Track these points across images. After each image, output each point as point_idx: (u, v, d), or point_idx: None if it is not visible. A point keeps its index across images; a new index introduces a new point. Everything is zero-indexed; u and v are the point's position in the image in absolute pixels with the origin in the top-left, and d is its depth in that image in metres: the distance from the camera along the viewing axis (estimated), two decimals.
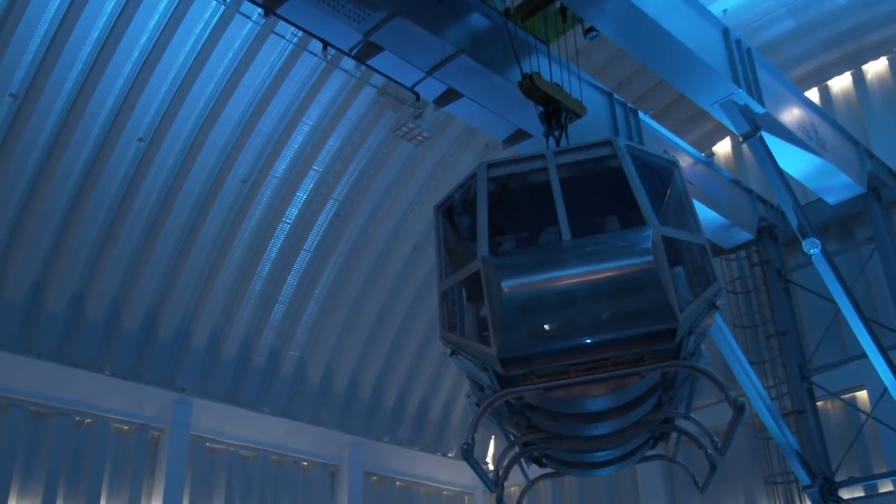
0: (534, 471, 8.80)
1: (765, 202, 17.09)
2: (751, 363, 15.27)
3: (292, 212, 18.60)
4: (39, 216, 15.63)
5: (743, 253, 17.64)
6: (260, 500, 18.52)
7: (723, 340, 14.40)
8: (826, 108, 17.57)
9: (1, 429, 15.43)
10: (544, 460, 8.23)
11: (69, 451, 16.09)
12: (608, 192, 7.26)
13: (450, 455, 21.94)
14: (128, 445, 16.95)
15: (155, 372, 17.26)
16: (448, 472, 21.90)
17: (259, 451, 18.84)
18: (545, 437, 7.35)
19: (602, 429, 6.93)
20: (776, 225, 17.17)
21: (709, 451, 7.27)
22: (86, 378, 16.25)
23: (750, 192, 16.59)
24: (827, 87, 18.80)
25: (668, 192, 7.46)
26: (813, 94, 18.53)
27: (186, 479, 17.24)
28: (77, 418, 16.46)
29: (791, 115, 14.20)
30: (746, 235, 15.91)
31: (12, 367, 15.39)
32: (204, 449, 18.02)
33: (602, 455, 7.63)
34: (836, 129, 15.79)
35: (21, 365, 15.49)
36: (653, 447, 8.17)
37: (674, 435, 8.01)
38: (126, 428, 17.05)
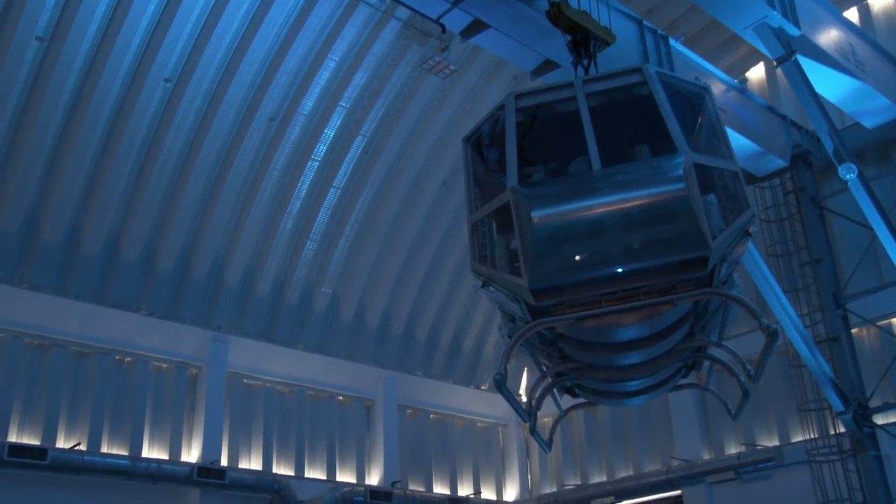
0: (566, 401, 8.86)
1: (799, 128, 16.77)
2: (784, 291, 15.18)
3: (321, 149, 18.58)
4: (71, 161, 15.76)
5: (776, 180, 17.39)
6: (297, 434, 18.93)
7: (756, 269, 14.29)
8: (866, 29, 17.06)
9: (46, 369, 15.86)
10: (577, 390, 8.27)
11: (111, 390, 16.51)
12: (639, 121, 7.14)
13: (483, 388, 22.19)
14: (167, 383, 17.35)
15: (191, 311, 17.54)
16: (482, 404, 22.18)
17: (295, 387, 19.18)
18: (577, 367, 7.37)
19: (634, 358, 6.93)
20: (811, 151, 16.87)
21: (741, 378, 7.26)
22: (124, 318, 16.56)
23: (784, 117, 16.26)
24: (867, 6, 18.23)
25: (700, 119, 7.31)
26: (852, 14, 17.98)
27: (225, 415, 17.63)
28: (118, 357, 16.84)
29: (828, 37, 13.81)
30: (780, 162, 15.64)
31: (53, 309, 15.73)
32: (241, 385, 18.39)
33: (634, 384, 7.65)
34: (876, 50, 15.36)
35: (61, 306, 15.82)
36: (685, 376, 8.18)
37: (706, 363, 8.00)
38: (165, 366, 17.42)
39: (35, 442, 15.20)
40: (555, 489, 21.39)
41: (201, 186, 17.34)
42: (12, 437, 15.07)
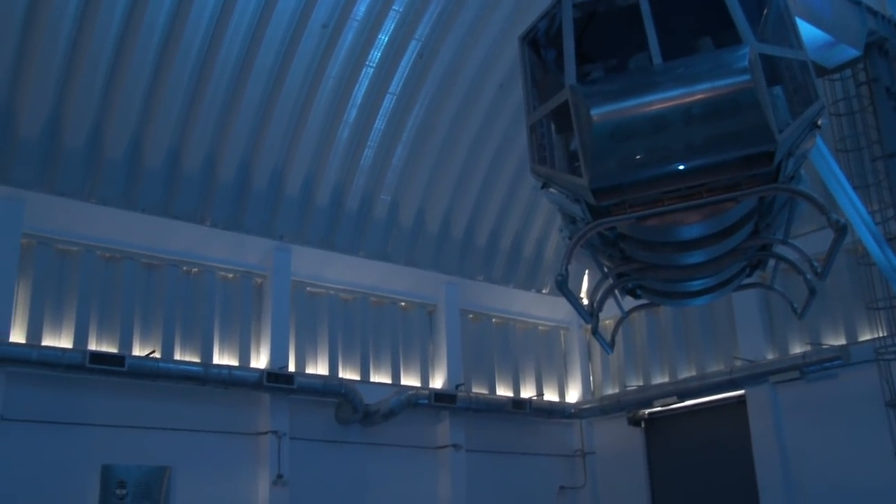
0: (628, 302, 8.83)
1: (875, 13, 15.92)
2: (854, 188, 14.71)
3: (375, 55, 18.33)
4: (129, 74, 15.87)
5: (848, 72, 16.63)
6: (361, 340, 19.33)
7: (824, 165, 13.84)
8: None
9: (118, 281, 16.37)
10: (639, 291, 8.21)
11: (181, 300, 17.01)
12: (702, 12, 6.84)
13: (544, 291, 22.27)
14: (234, 292, 17.78)
15: (253, 221, 17.80)
16: (543, 307, 22.30)
17: (358, 294, 19.49)
18: (639, 268, 7.30)
19: (697, 257, 6.81)
20: (887, 38, 16.04)
21: (808, 276, 7.11)
22: (189, 230, 16.91)
23: (858, 3, 15.45)
24: None
25: (767, 9, 6.98)
26: None
27: (291, 323, 18.06)
28: (185, 268, 17.27)
29: None
30: (853, 52, 14.91)
31: (121, 223, 16.14)
32: (305, 293, 18.75)
33: (697, 284, 7.56)
34: None
35: (129, 220, 16.22)
36: (749, 275, 8.05)
37: (771, 262, 7.85)
38: (231, 276, 17.83)
39: (113, 350, 15.83)
40: (617, 390, 21.59)
41: (257, 97, 17.34)
42: (92, 346, 15.72)
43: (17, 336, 15.03)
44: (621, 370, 21.67)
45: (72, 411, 15.16)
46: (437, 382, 20.02)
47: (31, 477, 14.46)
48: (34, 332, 15.28)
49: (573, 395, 22.37)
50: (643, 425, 20.92)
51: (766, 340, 18.47)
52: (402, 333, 20.14)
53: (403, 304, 20.33)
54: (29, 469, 14.48)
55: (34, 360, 14.60)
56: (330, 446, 18.01)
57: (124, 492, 15.35)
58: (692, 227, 6.32)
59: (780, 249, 7.42)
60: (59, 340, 15.48)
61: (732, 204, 6.08)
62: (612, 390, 21.80)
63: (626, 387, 21.24)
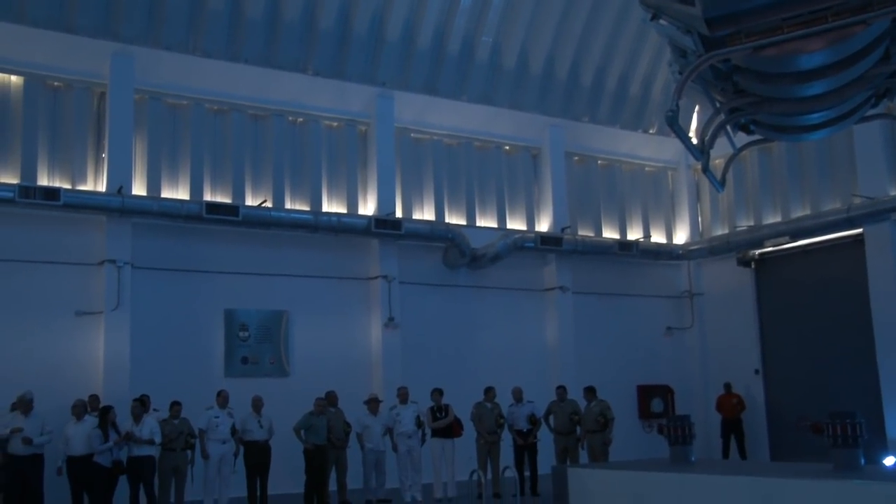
0: (740, 138, 8.52)
1: None
2: None
3: None
4: None
5: None
6: (467, 185, 19.40)
7: None
8: None
9: (228, 132, 16.77)
10: (752, 127, 7.92)
11: (288, 149, 17.33)
12: None
13: (651, 131, 21.67)
14: (339, 140, 17.98)
15: (355, 68, 17.72)
16: (650, 147, 21.77)
17: (461, 139, 19.42)
18: (754, 102, 7.00)
19: (818, 88, 6.47)
20: None
21: None
22: (292, 79, 16.99)
23: None
24: None
25: None
26: None
27: (396, 169, 18.23)
28: (290, 118, 17.49)
29: None
30: None
31: (226, 74, 16.34)
32: (409, 139, 18.80)
33: (817, 117, 7.21)
34: None
35: (233, 71, 16.39)
36: (874, 105, 7.61)
37: None
38: (335, 124, 17.98)
39: (227, 200, 16.41)
40: (726, 231, 21.18)
41: None
42: (207, 197, 16.32)
43: (139, 189, 15.72)
44: (731, 210, 21.18)
45: (194, 259, 15.95)
46: (543, 225, 20.06)
47: (162, 321, 15.45)
48: (153, 185, 15.95)
49: (681, 236, 22.10)
50: (753, 266, 20.57)
51: (889, 176, 17.57)
52: (507, 177, 20.10)
53: (508, 147, 20.18)
54: (160, 313, 15.46)
55: (155, 211, 15.30)
56: (438, 290, 18.49)
57: (247, 334, 16.27)
58: (814, 56, 5.96)
59: None
60: (177, 192, 16.14)
61: (862, 27, 5.67)
62: (721, 231, 21.40)
63: (735, 227, 20.79)
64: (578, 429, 14.67)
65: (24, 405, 11.73)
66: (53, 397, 12.46)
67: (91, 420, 12.01)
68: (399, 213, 18.02)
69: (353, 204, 17.81)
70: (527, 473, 14.40)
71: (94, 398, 13.28)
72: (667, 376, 21.04)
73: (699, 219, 22.17)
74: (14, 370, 13.74)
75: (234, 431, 13.01)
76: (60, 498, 11.85)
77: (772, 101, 6.93)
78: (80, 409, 11.88)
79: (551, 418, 14.84)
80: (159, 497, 12.31)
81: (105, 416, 11.93)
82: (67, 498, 11.78)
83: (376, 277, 17.47)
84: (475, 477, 12.39)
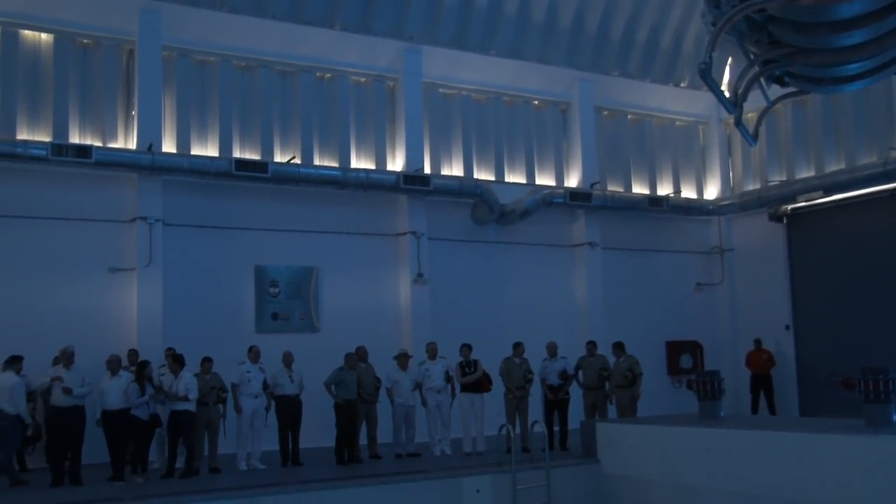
0: (774, 91, 8.36)
1: None
2: None
3: None
4: None
5: None
6: (495, 140, 19.28)
7: None
8: None
9: (255, 89, 16.75)
10: (787, 79, 7.76)
11: (316, 106, 17.30)
12: None
13: (682, 85, 21.33)
14: (367, 96, 17.90)
15: (382, 23, 17.56)
16: (681, 102, 21.46)
17: (490, 94, 19.25)
18: (789, 53, 6.85)
19: (857, 37, 6.31)
20: None
21: None
22: (319, 34, 16.89)
23: None
24: None
25: None
26: None
27: (425, 125, 18.15)
28: (318, 74, 17.43)
29: None
30: None
31: (253, 30, 16.28)
32: (437, 95, 18.68)
33: (854, 67, 7.04)
34: None
35: (261, 27, 16.32)
36: None
37: None
38: (363, 80, 17.89)
39: (256, 157, 16.45)
40: (758, 186, 20.92)
41: None
42: (236, 154, 16.37)
43: (169, 146, 15.79)
44: (763, 165, 20.89)
45: (224, 216, 16.06)
46: (573, 181, 19.94)
47: (194, 277, 15.63)
48: (183, 142, 16.01)
49: (712, 191, 21.87)
50: (785, 221, 20.32)
51: None
52: (536, 132, 19.94)
53: (536, 102, 19.99)
54: (192, 270, 15.62)
55: (185, 168, 15.38)
56: (467, 246, 18.49)
57: (277, 290, 16.40)
58: (853, 4, 5.81)
59: None
60: (206, 149, 16.20)
61: None
62: (752, 186, 21.13)
63: (768, 182, 20.52)
64: (607, 384, 14.70)
65: (65, 358, 11.96)
66: (88, 353, 12.66)
67: (127, 374, 12.22)
68: (427, 169, 17.97)
69: (381, 160, 17.79)
70: (556, 428, 14.48)
71: (134, 353, 13.50)
72: (696, 332, 20.98)
73: (730, 174, 21.91)
74: (50, 326, 14.01)
75: (265, 386, 13.17)
76: (98, 450, 12.11)
77: (808, 51, 6.78)
78: (115, 364, 12.07)
79: (580, 373, 14.88)
80: (194, 449, 12.54)
81: (142, 371, 12.13)
82: (105, 450, 12.02)
83: (405, 233, 17.49)
84: (504, 431, 12.48)
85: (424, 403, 14.27)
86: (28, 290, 14.36)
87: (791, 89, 8.24)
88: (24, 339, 13.71)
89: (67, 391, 11.67)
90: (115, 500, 10.19)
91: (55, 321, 14.18)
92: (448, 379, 14.28)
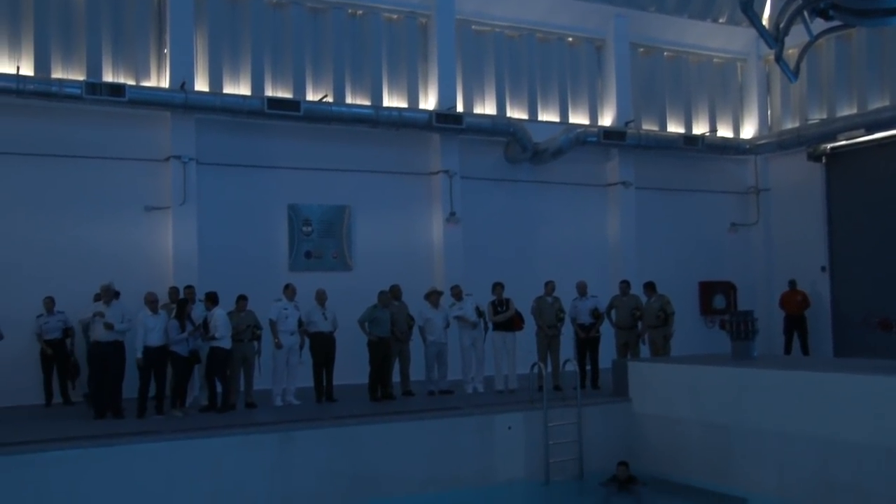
0: (817, 25, 8.13)
1: None
2: None
3: None
4: None
5: None
6: (529, 78, 19.02)
7: None
8: None
9: (286, 26, 16.61)
10: (831, 12, 7.52)
11: (348, 44, 17.14)
12: None
13: (721, 20, 20.77)
14: (399, 34, 17.69)
15: None
16: (719, 38, 20.96)
17: (524, 30, 18.94)
18: None
19: None
20: None
21: None
22: None
23: None
24: None
25: None
26: None
27: (457, 63, 17.92)
28: (350, 11, 17.22)
29: None
30: None
31: None
32: (470, 32, 18.41)
33: None
34: None
35: None
36: None
37: None
38: (395, 17, 17.66)
39: (288, 95, 16.39)
40: (797, 124, 20.50)
41: None
42: (268, 92, 16.32)
43: (201, 85, 15.78)
44: (803, 102, 20.42)
45: (257, 155, 16.09)
46: (607, 119, 19.68)
47: (228, 216, 15.74)
48: (215, 81, 15.98)
49: (749, 130, 21.48)
50: (824, 160, 19.94)
51: None
52: (570, 70, 19.63)
53: (571, 39, 19.64)
54: (226, 209, 15.73)
55: (218, 106, 15.38)
56: (500, 185, 18.40)
57: (310, 229, 16.49)
58: None
59: None
60: (238, 88, 16.16)
61: None
62: (791, 125, 20.71)
63: (807, 120, 20.08)
64: (639, 324, 14.69)
65: (106, 294, 12.16)
66: (126, 291, 12.86)
67: (165, 312, 12.39)
68: (460, 108, 17.82)
69: (413, 98, 17.65)
70: (588, 367, 14.55)
71: (174, 290, 13.69)
72: (729, 273, 20.84)
73: (769, 112, 21.48)
74: (89, 264, 14.26)
75: (300, 324, 13.32)
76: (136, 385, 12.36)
77: None
78: (154, 302, 12.24)
79: (613, 313, 14.87)
80: (230, 385, 12.78)
81: (182, 308, 12.30)
82: (147, 385, 12.28)
83: (437, 172, 17.43)
84: (535, 370, 12.57)
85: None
86: (67, 228, 14.56)
87: (835, 23, 8.01)
88: (65, 276, 14.08)
89: (109, 326, 11.89)
90: (155, 432, 10.43)
91: (94, 259, 14.41)
92: (479, 314, 14.34)
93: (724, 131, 21.25)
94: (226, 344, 12.43)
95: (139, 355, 11.95)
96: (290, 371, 13.22)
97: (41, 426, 11.30)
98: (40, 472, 9.26)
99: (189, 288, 13.29)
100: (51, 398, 13.71)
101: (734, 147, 20.90)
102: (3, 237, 14.15)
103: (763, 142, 20.83)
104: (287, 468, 10.40)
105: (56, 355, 13.66)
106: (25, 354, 13.27)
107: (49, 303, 13.59)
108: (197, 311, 12.62)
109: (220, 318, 12.37)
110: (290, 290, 13.35)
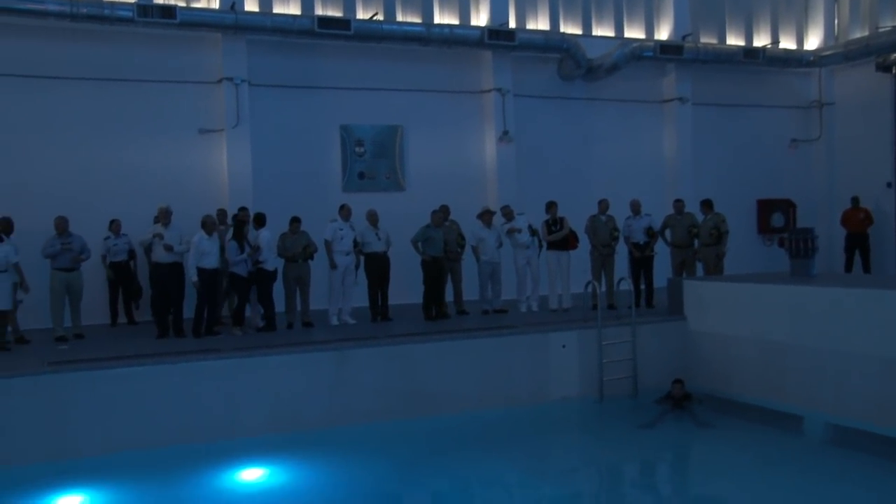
0: None
1: None
2: None
3: None
4: None
5: None
6: None
7: None
8: None
9: None
10: None
11: None
12: None
13: None
14: None
15: None
16: None
17: None
18: None
19: None
20: None
21: None
22: None
23: None
24: None
25: None
26: None
27: None
28: None
29: None
30: None
31: None
32: None
33: None
34: None
35: None
36: None
37: None
38: None
39: (338, 14, 16.19)
40: (866, 32, 19.63)
41: None
42: (318, 11, 16.15)
43: (251, 5, 15.66)
44: (873, 9, 19.48)
45: (308, 75, 16.02)
46: (663, 33, 19.09)
47: (281, 137, 15.80)
48: (265, 1, 15.84)
49: (813, 41, 20.65)
50: (894, 71, 19.11)
51: None
52: None
53: None
54: (279, 130, 15.79)
55: (268, 27, 15.27)
56: (553, 102, 18.09)
57: (362, 149, 16.47)
58: None
59: None
60: (288, 7, 16.00)
61: None
62: (860, 33, 19.83)
63: (878, 28, 19.18)
64: (696, 242, 14.50)
65: (164, 216, 12.36)
66: (181, 213, 12.98)
67: (217, 234, 12.52)
68: (512, 24, 17.45)
69: (465, 14, 17.31)
70: (642, 286, 14.46)
71: (222, 212, 13.85)
72: (789, 190, 20.37)
73: (835, 21, 20.59)
74: (146, 187, 14.50)
75: (355, 244, 13.40)
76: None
77: None
78: (210, 224, 12.36)
79: (668, 232, 14.69)
80: (287, 304, 12.99)
81: (240, 230, 12.43)
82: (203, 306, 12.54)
83: (490, 90, 17.19)
84: (590, 288, 12.52)
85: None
86: (122, 151, 14.77)
87: None
88: (122, 198, 14.36)
89: (169, 248, 12.12)
90: (216, 350, 10.69)
91: (150, 182, 14.64)
92: (533, 232, 14.29)
93: (787, 43, 20.49)
94: (269, 266, 12.54)
95: (194, 278, 12.12)
96: (345, 291, 13.37)
97: (108, 344, 11.68)
98: (109, 388, 9.60)
99: (243, 209, 13.37)
100: (116, 318, 14.12)
101: (797, 59, 20.14)
102: (61, 161, 14.42)
103: (828, 53, 20.01)
104: (343, 386, 10.61)
105: (120, 278, 14.00)
106: (91, 277, 13.61)
107: (116, 225, 13.86)
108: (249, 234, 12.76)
109: (264, 239, 12.48)
110: (345, 210, 13.38)
